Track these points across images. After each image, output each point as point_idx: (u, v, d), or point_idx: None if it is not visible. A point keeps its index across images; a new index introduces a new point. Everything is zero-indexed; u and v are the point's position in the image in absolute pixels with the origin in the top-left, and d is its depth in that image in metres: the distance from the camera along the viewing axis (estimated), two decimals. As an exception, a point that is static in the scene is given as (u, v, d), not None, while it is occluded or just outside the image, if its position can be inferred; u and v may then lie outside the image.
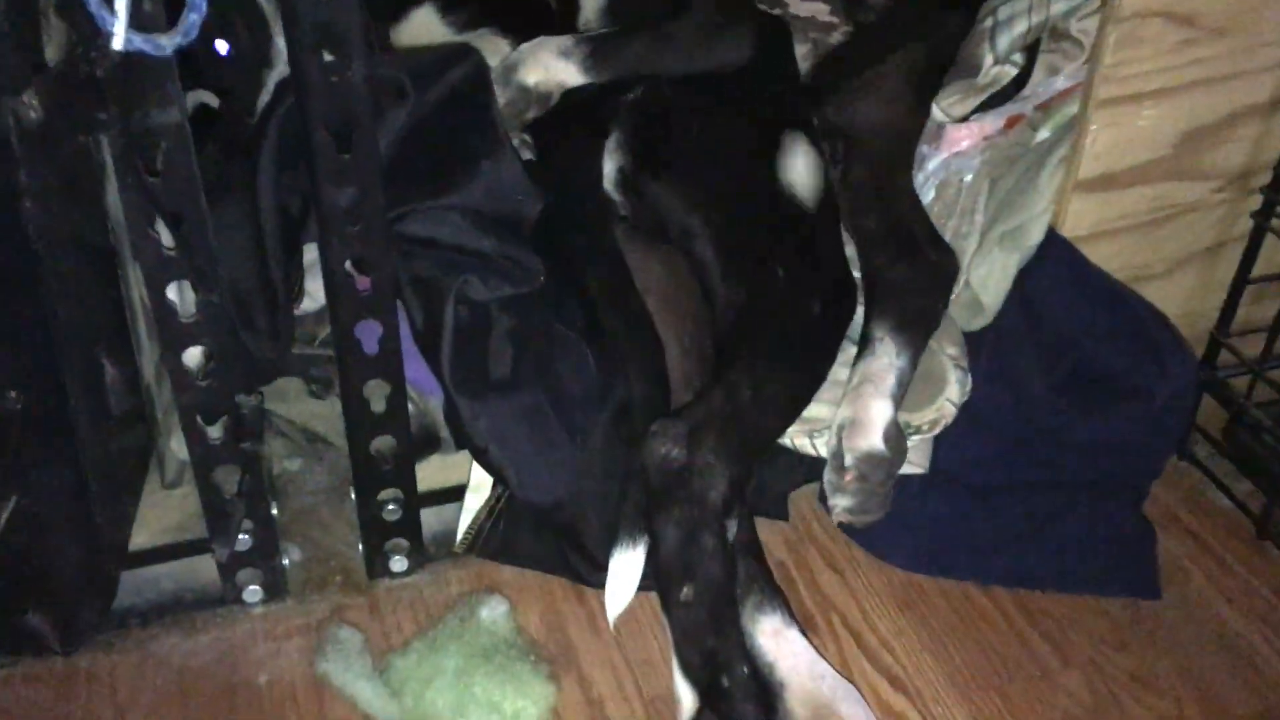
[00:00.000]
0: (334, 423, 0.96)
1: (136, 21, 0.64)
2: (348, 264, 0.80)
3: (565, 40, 1.00)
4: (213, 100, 1.00)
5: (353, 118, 0.73)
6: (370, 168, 0.76)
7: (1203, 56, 0.87)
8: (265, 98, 0.98)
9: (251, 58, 0.99)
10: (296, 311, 0.92)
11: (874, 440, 0.88)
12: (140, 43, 0.62)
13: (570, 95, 1.09)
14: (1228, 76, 0.89)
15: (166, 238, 0.74)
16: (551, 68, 1.00)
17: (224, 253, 0.80)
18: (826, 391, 0.95)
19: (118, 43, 0.60)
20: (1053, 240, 0.94)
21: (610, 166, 1.03)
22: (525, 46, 1.00)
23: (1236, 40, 0.87)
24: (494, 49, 1.10)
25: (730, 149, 1.01)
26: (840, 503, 0.88)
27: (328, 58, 0.70)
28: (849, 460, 0.88)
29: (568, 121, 1.07)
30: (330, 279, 0.80)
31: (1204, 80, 0.89)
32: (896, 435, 0.89)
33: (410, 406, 0.89)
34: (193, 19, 0.62)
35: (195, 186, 0.72)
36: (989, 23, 1.00)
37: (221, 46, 0.98)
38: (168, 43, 0.63)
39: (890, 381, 0.89)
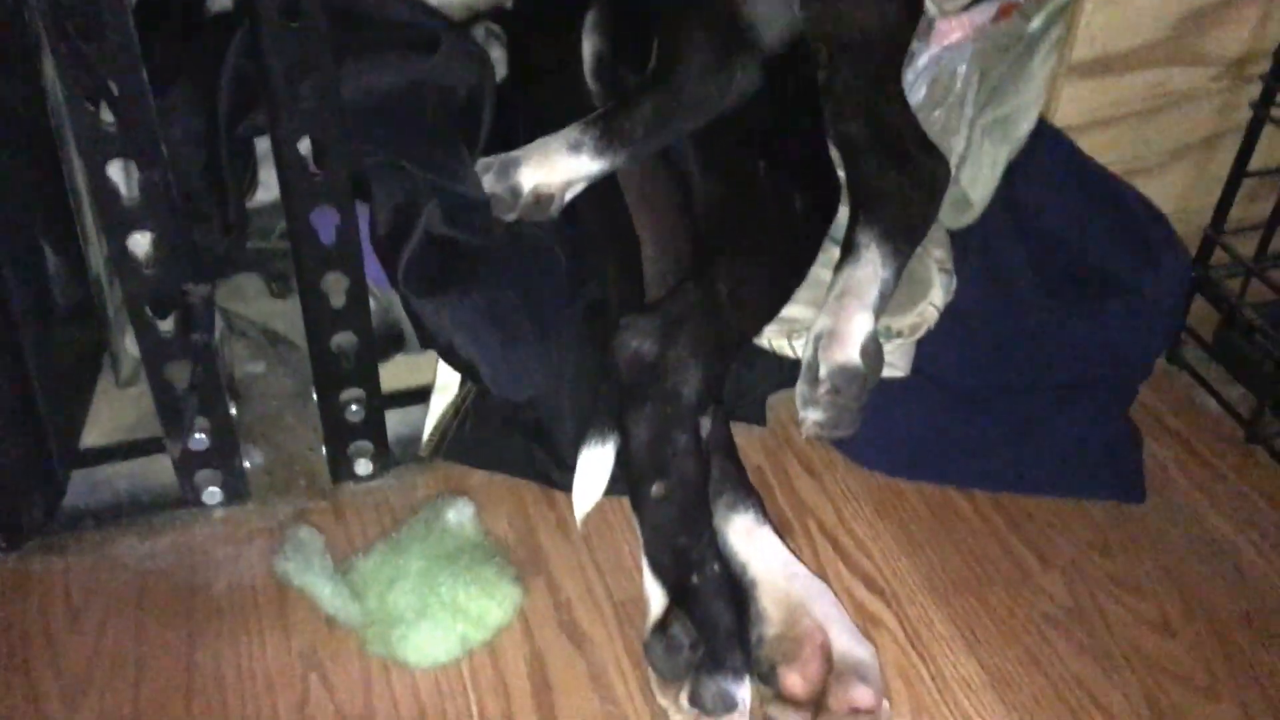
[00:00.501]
0: (296, 322, 0.92)
1: None
2: (301, 146, 0.75)
3: (572, 132, 0.88)
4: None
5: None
6: (319, 40, 0.71)
7: (1205, -68, 0.83)
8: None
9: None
10: (252, 203, 0.88)
11: (851, 353, 0.84)
12: (61, -112, 0.57)
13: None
14: (1231, -46, 0.85)
15: (105, 112, 0.70)
16: (560, 166, 0.87)
17: (172, 138, 0.76)
18: (806, 291, 0.91)
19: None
20: (1043, 131, 0.91)
21: (588, 50, 0.98)
22: (531, 145, 0.88)
23: (1241, -85, 0.83)
24: None
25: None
26: (811, 415, 0.85)
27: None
28: (823, 372, 0.85)
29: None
30: (281, 161, 0.76)
31: (1205, -42, 0.84)
32: (875, 350, 0.86)
33: (372, 303, 0.85)
34: None
35: (133, 54, 0.68)
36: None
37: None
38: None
39: (873, 293, 0.86)
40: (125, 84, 0.68)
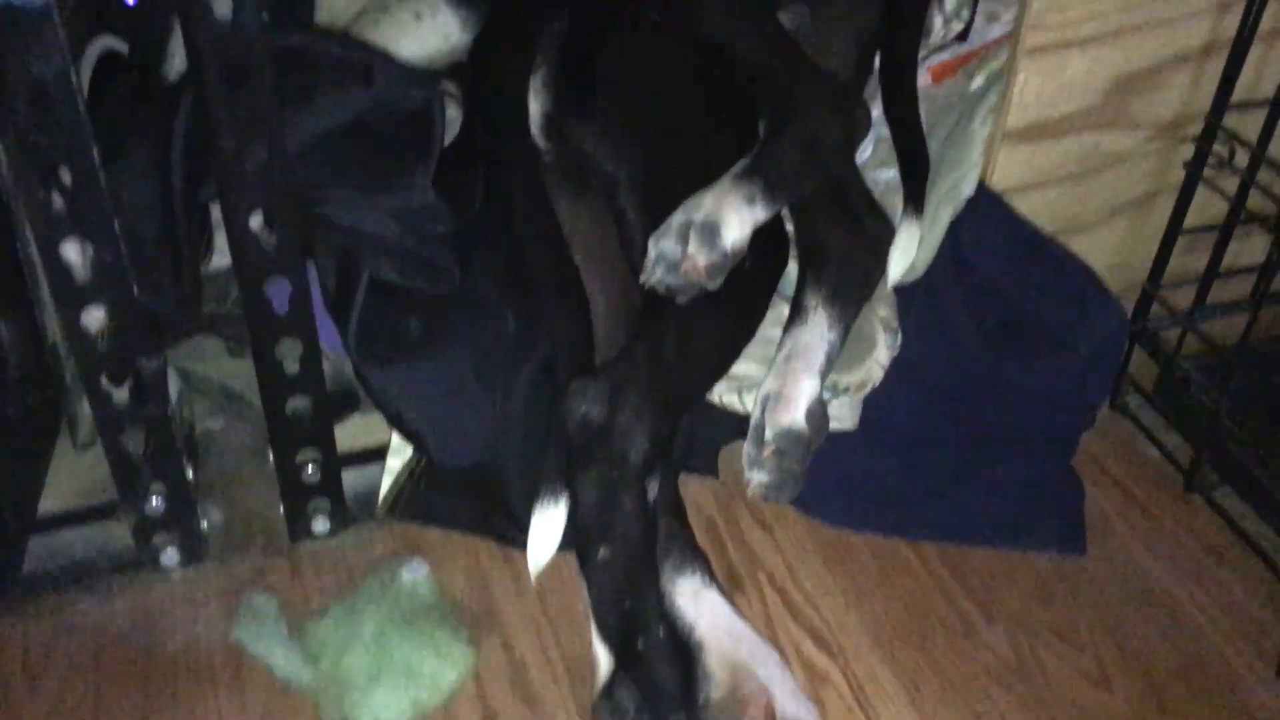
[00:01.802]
0: (253, 381, 0.94)
1: (4, -34, 0.61)
2: (253, 220, 0.77)
3: (740, 183, 0.83)
4: (121, 46, 0.96)
5: (249, 62, 0.70)
6: (268, 116, 0.73)
7: (1133, 3, 0.85)
8: (175, 43, 0.94)
9: (161, 4, 0.95)
10: (207, 269, 0.89)
11: (796, 417, 0.86)
12: (9, -11, 0.59)
13: (494, 21, 1.06)
14: (1160, 22, 0.87)
15: (57, 193, 0.71)
16: (746, 221, 0.82)
17: (127, 207, 0.78)
18: (756, 348, 0.93)
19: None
20: (981, 192, 0.93)
21: (535, 109, 1.00)
22: (707, 201, 0.82)
23: (1168, -14, 0.85)
24: (436, 15, 1.06)
25: (661, 85, 0.98)
26: (756, 477, 0.87)
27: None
28: (769, 435, 0.87)
29: (492, 53, 1.04)
30: (233, 235, 0.78)
31: (1135, 26, 0.87)
32: (820, 414, 0.88)
33: (326, 365, 0.87)
34: (64, -36, 0.59)
35: (84, 138, 0.69)
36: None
37: (128, -4, 0.95)
38: (38, -10, 0.59)
39: (819, 358, 0.88)
40: (77, 169, 0.70)
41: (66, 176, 0.70)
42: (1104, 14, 0.85)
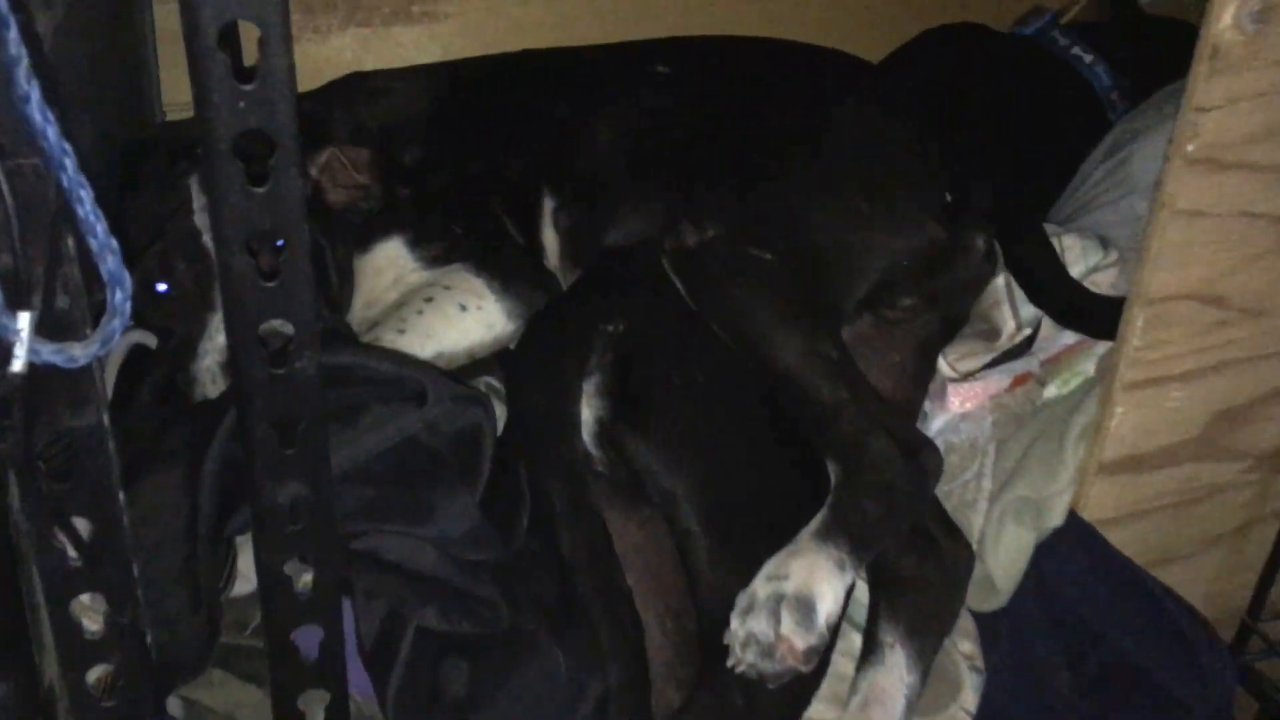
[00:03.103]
0: (265, 713, 0.84)
1: (48, 323, 0.55)
2: (288, 564, 0.69)
3: (826, 545, 0.77)
4: (150, 340, 0.91)
5: (301, 411, 0.64)
6: (319, 464, 0.66)
7: (1234, 338, 0.81)
8: (207, 342, 0.89)
9: (193, 299, 0.90)
10: (227, 595, 0.81)
11: None
12: (50, 354, 0.53)
13: (544, 316, 1.01)
14: (1259, 357, 0.83)
15: (71, 545, 0.63)
16: (839, 591, 0.76)
17: (146, 542, 0.70)
18: (826, 685, 0.85)
19: (18, 365, 0.50)
20: (1072, 522, 0.86)
21: (588, 415, 0.94)
22: (795, 570, 0.75)
23: (1268, 320, 0.81)
24: (468, 286, 1.02)
25: (722, 398, 0.93)
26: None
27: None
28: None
29: (541, 350, 0.99)
30: (265, 579, 0.69)
31: (1234, 361, 0.82)
32: None
33: (353, 707, 0.77)
34: (114, 326, 0.53)
35: (110, 491, 0.62)
36: (1002, 280, 0.95)
37: (160, 286, 0.90)
38: (82, 354, 0.53)
39: (899, 705, 0.80)
40: (98, 523, 0.62)
41: (84, 527, 0.62)
42: (1204, 350, 0.81)
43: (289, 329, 0.60)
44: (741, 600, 0.74)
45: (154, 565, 0.74)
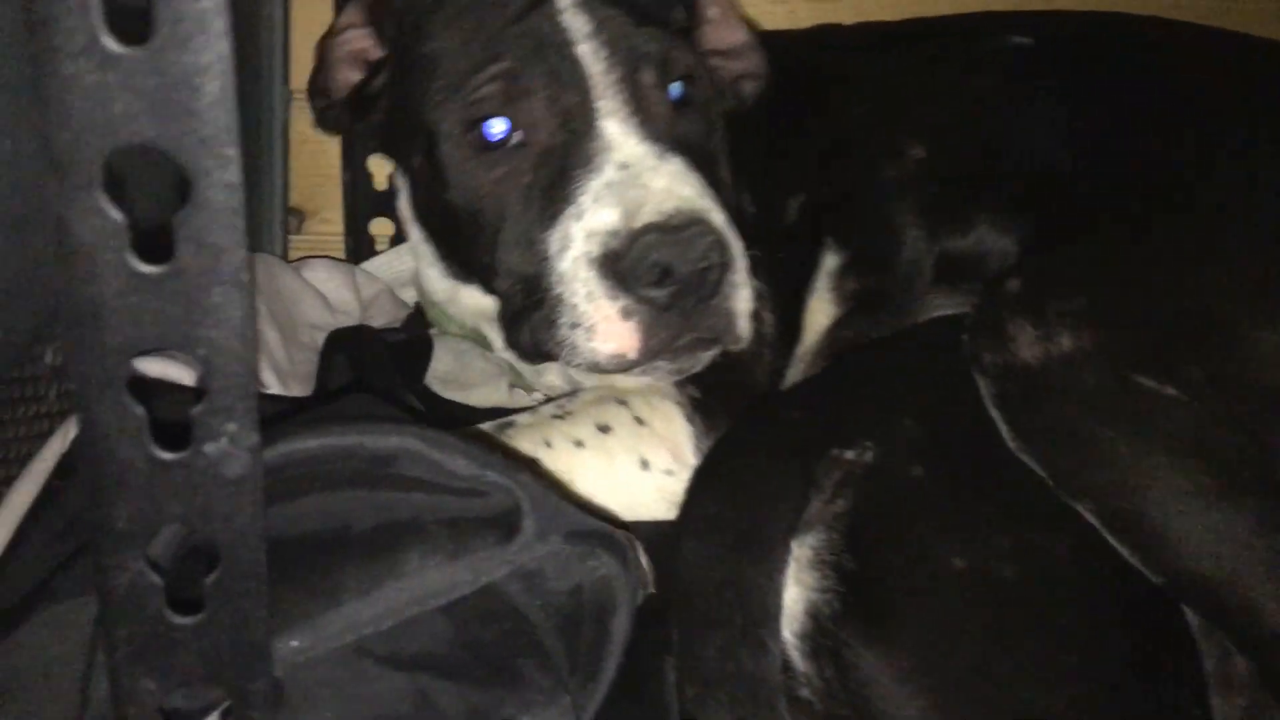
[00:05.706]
0: None
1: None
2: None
3: None
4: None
5: (219, 540, 0.30)
6: (252, 650, 0.32)
7: None
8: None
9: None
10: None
11: None
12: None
13: (746, 424, 0.66)
14: None
15: None
16: None
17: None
18: None
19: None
20: None
21: (797, 600, 0.57)
22: None
23: None
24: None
25: (1038, 592, 0.56)
26: None
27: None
28: None
29: (731, 479, 0.63)
30: None
31: None
32: None
33: None
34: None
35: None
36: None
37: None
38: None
39: None
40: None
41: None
42: None
43: (187, 372, 0.27)
44: None
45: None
